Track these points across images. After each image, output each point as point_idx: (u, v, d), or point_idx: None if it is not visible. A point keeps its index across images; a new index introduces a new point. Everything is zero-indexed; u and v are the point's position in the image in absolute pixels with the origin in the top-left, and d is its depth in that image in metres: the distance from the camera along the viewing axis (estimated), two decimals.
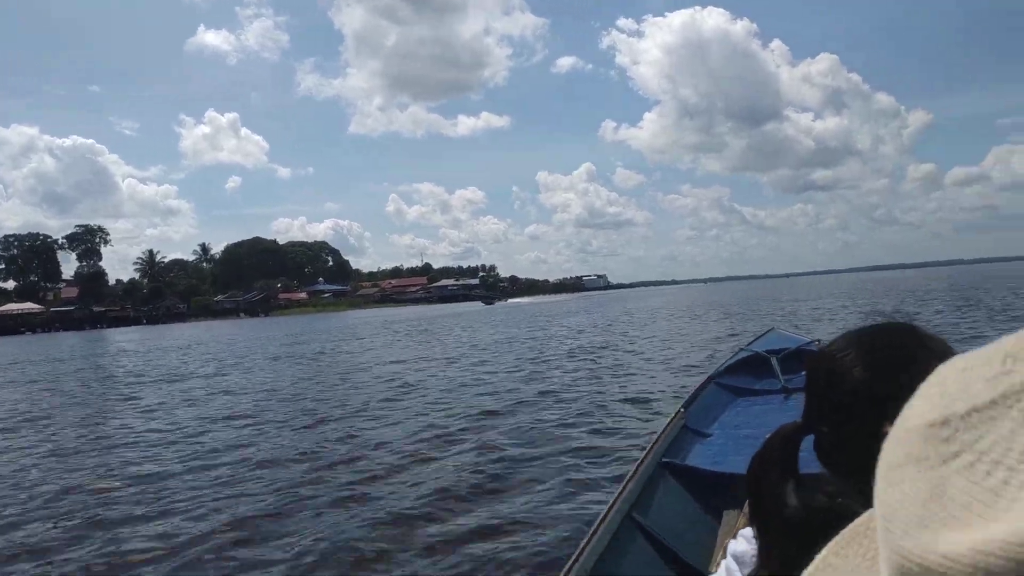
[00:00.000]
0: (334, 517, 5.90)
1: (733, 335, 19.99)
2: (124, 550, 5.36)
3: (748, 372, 6.05)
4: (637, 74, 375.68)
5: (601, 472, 6.67)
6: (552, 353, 19.58)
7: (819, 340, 6.10)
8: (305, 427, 10.13)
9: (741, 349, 6.70)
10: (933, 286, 52.02)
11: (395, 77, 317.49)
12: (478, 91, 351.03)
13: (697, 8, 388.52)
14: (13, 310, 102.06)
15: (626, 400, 10.52)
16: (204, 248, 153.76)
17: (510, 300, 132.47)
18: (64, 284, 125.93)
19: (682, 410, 4.75)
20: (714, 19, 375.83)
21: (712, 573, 1.38)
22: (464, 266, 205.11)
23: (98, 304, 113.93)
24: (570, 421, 9.21)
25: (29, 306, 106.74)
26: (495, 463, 7.25)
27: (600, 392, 11.52)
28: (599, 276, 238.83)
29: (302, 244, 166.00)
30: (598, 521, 3.04)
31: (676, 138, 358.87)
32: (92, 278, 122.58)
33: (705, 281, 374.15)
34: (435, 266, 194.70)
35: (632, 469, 3.70)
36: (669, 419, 4.58)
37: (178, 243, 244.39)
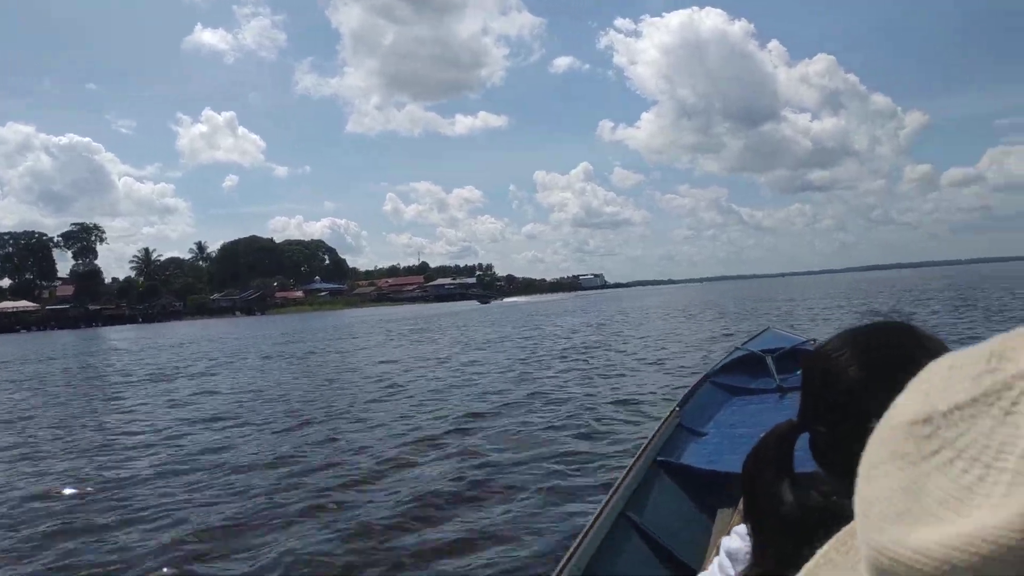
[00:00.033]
0: (304, 527, 5.64)
1: (728, 335, 19.76)
2: (77, 563, 5.08)
3: (743, 371, 6.02)
4: (635, 74, 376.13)
5: (587, 480, 6.40)
6: (544, 353, 19.31)
7: (814, 339, 6.08)
8: (286, 430, 9.85)
9: (736, 348, 6.68)
10: (930, 286, 51.90)
11: (393, 76, 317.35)
12: (476, 90, 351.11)
13: (695, 8, 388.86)
14: (8, 308, 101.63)
15: (617, 402, 10.26)
16: (200, 246, 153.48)
17: (506, 299, 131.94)
18: (60, 282, 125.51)
19: (677, 409, 4.73)
20: (712, 19, 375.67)
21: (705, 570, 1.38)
22: (461, 265, 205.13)
23: (94, 302, 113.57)
24: (558, 424, 8.95)
25: (24, 304, 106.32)
26: (477, 469, 6.98)
27: (591, 394, 11.24)
28: (596, 275, 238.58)
29: (299, 243, 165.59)
30: (592, 520, 3.01)
31: (674, 138, 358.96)
32: (88, 276, 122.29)
33: (701, 281, 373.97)
34: (432, 265, 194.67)
35: (627, 468, 3.65)
36: (664, 418, 4.56)
37: (175, 242, 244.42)
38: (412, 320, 53.71)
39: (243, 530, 5.65)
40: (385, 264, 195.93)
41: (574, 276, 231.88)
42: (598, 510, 3.12)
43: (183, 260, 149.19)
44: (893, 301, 33.80)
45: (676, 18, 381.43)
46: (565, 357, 17.73)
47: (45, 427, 11.52)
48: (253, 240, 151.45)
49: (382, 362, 19.88)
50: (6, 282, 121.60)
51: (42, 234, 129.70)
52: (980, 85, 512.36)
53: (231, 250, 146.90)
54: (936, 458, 0.31)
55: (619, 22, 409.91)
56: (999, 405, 0.30)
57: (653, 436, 4.19)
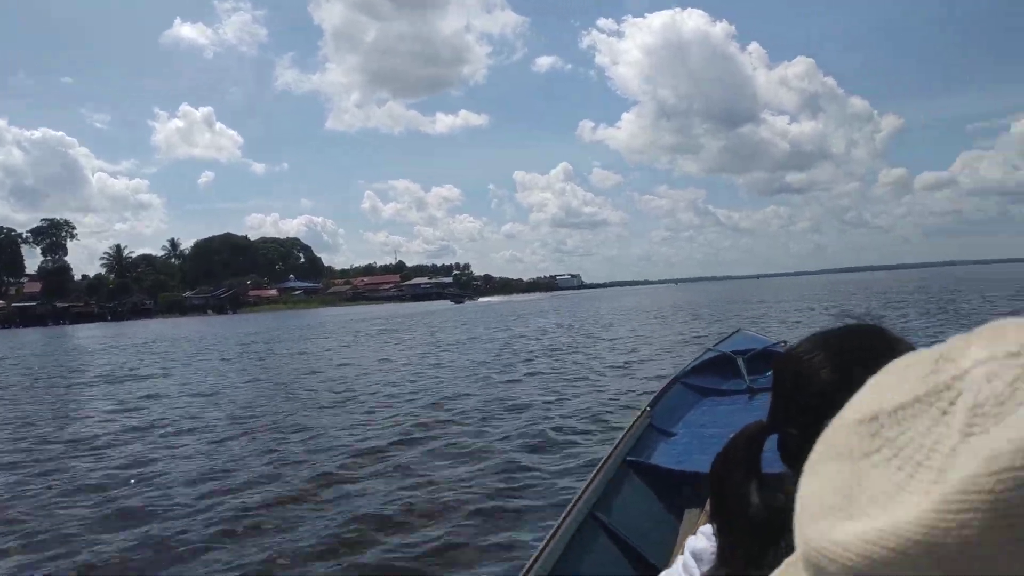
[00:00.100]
0: (220, 554, 5.08)
1: (698, 337, 19.37)
2: None
3: (714, 372, 6.03)
4: (616, 74, 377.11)
5: (531, 502, 5.90)
6: (511, 356, 18.76)
7: (785, 341, 6.03)
8: (225, 439, 9.21)
9: (708, 349, 6.67)
10: (904, 288, 52.19)
11: (374, 73, 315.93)
12: (457, 88, 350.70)
13: (677, 10, 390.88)
14: None
15: (581, 410, 9.75)
16: (173, 243, 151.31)
17: (480, 299, 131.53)
18: (27, 279, 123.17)
19: (648, 409, 4.72)
20: (693, 21, 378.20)
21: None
22: (438, 264, 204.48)
23: (62, 300, 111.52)
24: (515, 433, 8.44)
25: None
26: (415, 489, 6.44)
27: (555, 401, 10.72)
28: (572, 276, 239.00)
29: (274, 240, 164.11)
30: (560, 520, 2.98)
31: (653, 139, 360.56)
32: (56, 273, 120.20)
33: (676, 282, 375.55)
34: (409, 264, 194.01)
35: (596, 468, 3.62)
36: (634, 418, 4.54)
37: (148, 238, 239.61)
38: (383, 320, 53.03)
39: (155, 554, 5.13)
40: (362, 263, 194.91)
41: (551, 276, 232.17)
42: (566, 510, 3.08)
43: (155, 257, 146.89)
44: (866, 303, 33.73)
45: (658, 19, 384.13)
46: (531, 361, 17.22)
47: None
48: (227, 237, 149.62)
49: (342, 364, 19.24)
50: None
51: (11, 230, 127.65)
52: (953, 89, 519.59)
53: (205, 247, 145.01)
54: (876, 456, 0.31)
55: (602, 22, 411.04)
56: (937, 405, 0.30)
57: (623, 436, 4.16)
